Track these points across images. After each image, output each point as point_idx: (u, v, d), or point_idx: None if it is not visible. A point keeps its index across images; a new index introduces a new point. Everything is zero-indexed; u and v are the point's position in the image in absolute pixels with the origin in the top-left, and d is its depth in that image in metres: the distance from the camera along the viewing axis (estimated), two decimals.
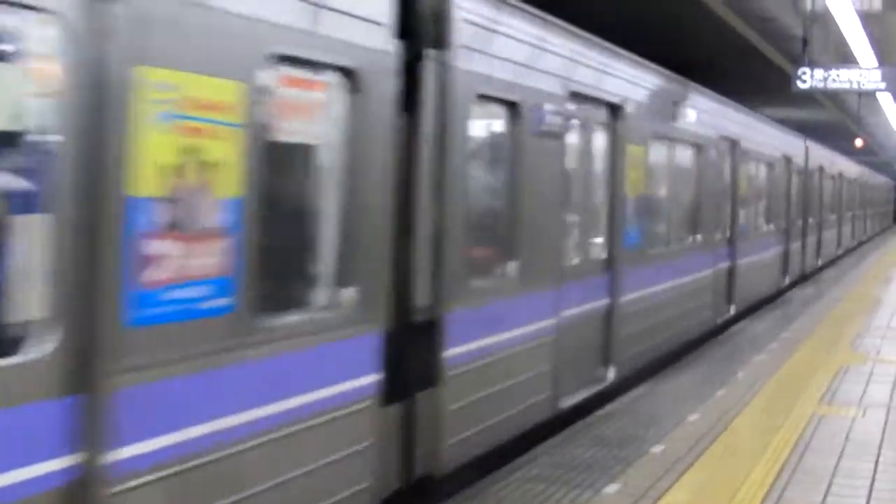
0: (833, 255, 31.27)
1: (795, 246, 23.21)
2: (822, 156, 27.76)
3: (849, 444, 8.70)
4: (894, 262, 32.15)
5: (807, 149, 24.60)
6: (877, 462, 8.16)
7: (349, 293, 5.98)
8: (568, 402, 9.32)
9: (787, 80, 18.31)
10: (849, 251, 36.63)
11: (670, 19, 16.46)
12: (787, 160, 21.77)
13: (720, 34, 17.90)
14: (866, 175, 44.61)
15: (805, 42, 17.53)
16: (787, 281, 22.24)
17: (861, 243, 42.51)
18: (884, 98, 27.70)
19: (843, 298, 20.36)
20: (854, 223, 39.50)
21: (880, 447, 8.62)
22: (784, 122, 23.80)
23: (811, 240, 25.90)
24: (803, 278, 24.41)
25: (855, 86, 17.37)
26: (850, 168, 36.74)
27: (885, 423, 9.50)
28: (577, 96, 9.51)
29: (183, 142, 4.62)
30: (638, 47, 11.98)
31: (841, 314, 17.68)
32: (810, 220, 25.47)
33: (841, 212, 33.40)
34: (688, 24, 17.00)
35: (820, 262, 27.85)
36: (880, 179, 55.60)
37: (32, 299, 4.13)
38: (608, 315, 10.49)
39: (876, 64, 20.11)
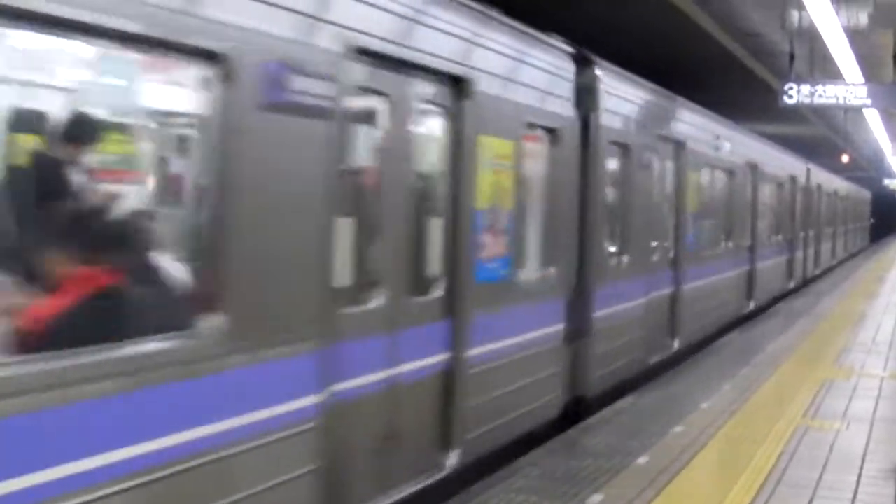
0: (739, 313, 19.03)
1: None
2: (697, 125, 15.33)
3: (832, 457, 8.74)
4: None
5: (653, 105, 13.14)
6: (860, 475, 8.21)
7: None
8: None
9: (774, 95, 18.40)
10: (785, 295, 24.24)
11: (658, 34, 16.54)
12: (562, 131, 9.72)
13: (708, 49, 18.00)
14: (830, 181, 34.10)
15: (792, 58, 17.63)
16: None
17: (808, 282, 28.50)
18: (870, 114, 27.81)
19: (829, 314, 20.43)
20: (808, 248, 27.95)
21: (863, 460, 8.66)
22: (772, 138, 23.83)
23: (684, 292, 14.40)
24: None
25: (841, 101, 17.45)
26: (787, 166, 24.12)
27: (869, 436, 9.55)
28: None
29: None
30: (625, 61, 12.03)
31: (827, 328, 17.73)
32: (680, 257, 14.23)
33: (767, 235, 21.69)
34: (676, 39, 17.08)
35: (675, 345, 14.13)
36: (853, 189, 45.79)
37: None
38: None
39: (862, 80, 20.20)
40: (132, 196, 5.32)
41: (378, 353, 6.47)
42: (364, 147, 6.76)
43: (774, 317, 20.04)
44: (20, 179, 4.96)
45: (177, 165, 5.60)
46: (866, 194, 55.09)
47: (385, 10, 6.53)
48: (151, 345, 4.62)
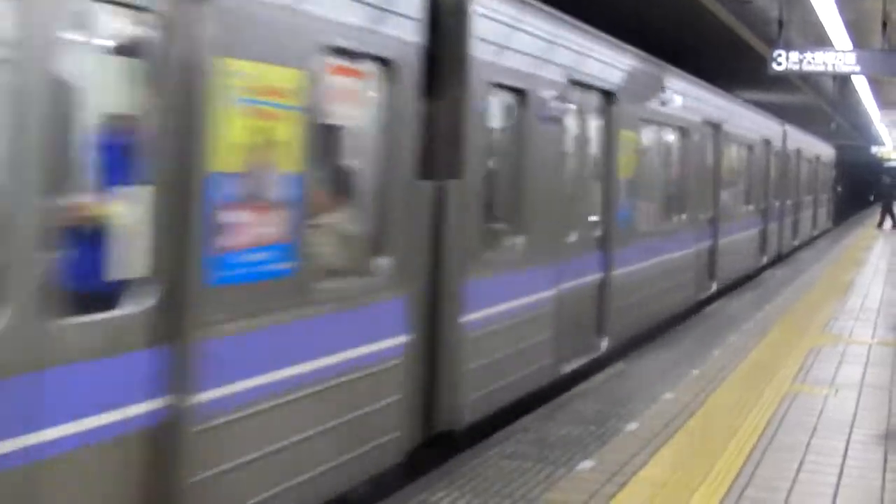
0: None
1: None
2: None
3: (821, 422, 8.79)
4: None
5: None
6: (848, 440, 8.26)
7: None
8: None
9: (763, 62, 18.39)
10: None
11: (646, 0, 16.50)
12: None
13: (697, 16, 17.96)
14: (730, 114, 18.08)
15: (781, 25, 17.61)
16: None
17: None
18: (858, 81, 27.80)
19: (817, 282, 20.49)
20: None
21: (852, 425, 8.72)
22: (761, 105, 23.81)
23: None
24: None
25: (830, 68, 17.46)
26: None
27: (857, 402, 9.61)
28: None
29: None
30: (613, 29, 12.00)
31: (815, 296, 17.80)
32: None
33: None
34: (664, 6, 17.03)
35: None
36: (796, 141, 27.50)
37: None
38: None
39: (851, 47, 20.19)
40: None
41: None
42: None
43: (761, 285, 20.08)
44: None
45: None
46: (827, 152, 36.96)
47: None
48: None
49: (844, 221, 45.81)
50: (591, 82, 10.71)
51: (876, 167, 62.87)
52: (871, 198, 56.60)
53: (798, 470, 7.40)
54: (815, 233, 33.79)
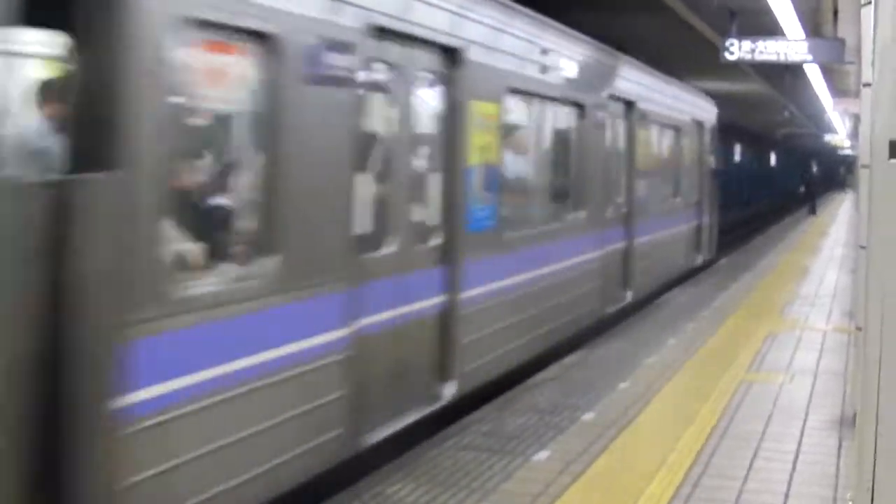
0: None
1: None
2: None
3: (776, 409, 8.82)
4: None
5: None
6: (803, 426, 8.29)
7: None
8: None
9: (715, 52, 18.43)
10: None
11: None
12: None
13: (648, 5, 17.97)
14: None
15: (733, 13, 17.66)
16: None
17: None
18: (811, 70, 27.97)
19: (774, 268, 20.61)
20: None
21: (807, 412, 8.74)
22: (713, 95, 23.87)
23: None
24: None
25: (782, 57, 17.52)
26: None
27: (812, 388, 9.65)
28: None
29: None
30: (566, 18, 11.97)
31: (771, 283, 17.89)
32: None
33: None
34: None
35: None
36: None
37: None
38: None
39: (803, 36, 20.29)
40: None
41: None
42: None
43: (719, 272, 20.16)
44: None
45: None
46: (702, 112, 20.62)
47: None
48: None
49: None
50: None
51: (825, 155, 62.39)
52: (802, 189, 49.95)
53: (754, 457, 7.41)
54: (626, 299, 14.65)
